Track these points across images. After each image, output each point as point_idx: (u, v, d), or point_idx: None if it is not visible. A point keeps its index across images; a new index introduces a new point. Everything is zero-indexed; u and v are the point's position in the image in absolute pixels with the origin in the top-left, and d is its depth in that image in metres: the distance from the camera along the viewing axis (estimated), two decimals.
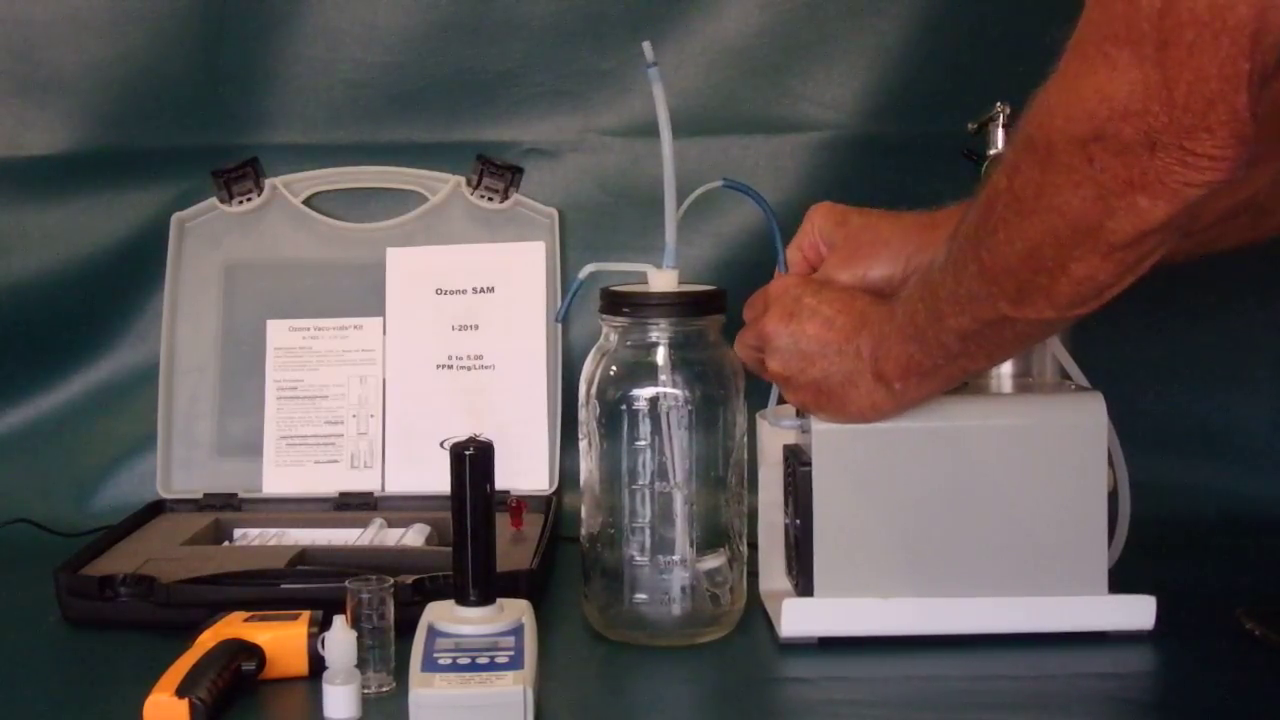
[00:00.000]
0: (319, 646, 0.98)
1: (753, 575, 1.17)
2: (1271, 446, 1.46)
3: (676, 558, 1.10)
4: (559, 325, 1.44)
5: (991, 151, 1.16)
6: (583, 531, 1.14)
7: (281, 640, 1.02)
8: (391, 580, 1.02)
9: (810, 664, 1.06)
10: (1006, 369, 1.14)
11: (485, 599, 0.99)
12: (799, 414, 1.10)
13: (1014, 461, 1.07)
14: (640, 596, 1.11)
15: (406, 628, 1.00)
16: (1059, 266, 0.85)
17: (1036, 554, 1.07)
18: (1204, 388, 1.48)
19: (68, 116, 1.50)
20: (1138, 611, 1.08)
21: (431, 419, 1.42)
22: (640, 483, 1.10)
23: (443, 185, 1.50)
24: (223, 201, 1.49)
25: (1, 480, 1.49)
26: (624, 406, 1.10)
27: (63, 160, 1.50)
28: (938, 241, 0.98)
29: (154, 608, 1.13)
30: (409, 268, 1.48)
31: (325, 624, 0.99)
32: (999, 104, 1.15)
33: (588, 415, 1.12)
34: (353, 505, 1.42)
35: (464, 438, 0.99)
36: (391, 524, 1.37)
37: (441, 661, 0.94)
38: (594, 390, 1.11)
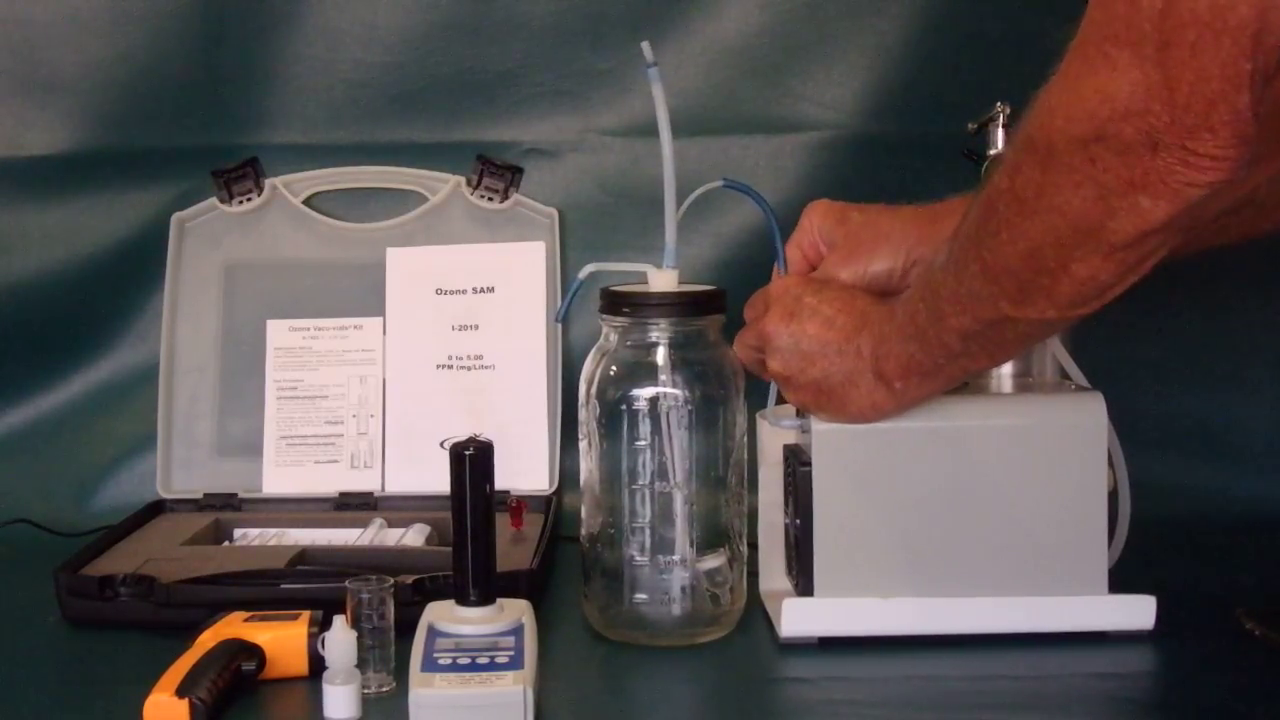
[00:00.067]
0: (319, 646, 0.98)
1: (753, 575, 1.17)
2: (1271, 446, 1.46)
3: (676, 558, 1.10)
4: (559, 325, 1.44)
5: (991, 151, 1.16)
6: (583, 531, 1.14)
7: (281, 640, 1.02)
8: (391, 580, 1.02)
9: (810, 664, 1.06)
10: (1006, 369, 1.14)
11: (485, 599, 0.99)
12: (799, 414, 1.10)
13: (1014, 461, 1.07)
14: (640, 596, 1.11)
15: (406, 628, 1.00)
16: (1060, 266, 0.85)
17: (1036, 554, 1.07)
18: (1204, 388, 1.48)
19: (68, 116, 1.50)
20: (1138, 611, 1.08)
21: (431, 419, 1.42)
22: (640, 483, 1.10)
23: (443, 185, 1.50)
24: (223, 201, 1.49)
25: (1, 480, 1.49)
26: (624, 406, 1.10)
27: (63, 160, 1.50)
28: (938, 234, 0.98)
29: (154, 608, 1.13)
30: (409, 268, 1.48)
31: (325, 624, 0.99)
32: (999, 104, 1.15)
33: (588, 415, 1.12)
34: (353, 505, 1.42)
35: (464, 438, 0.99)
36: (391, 524, 1.36)
37: (441, 661, 0.94)
38: (594, 390, 1.11)
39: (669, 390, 1.09)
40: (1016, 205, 0.86)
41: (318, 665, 0.99)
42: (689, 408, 1.09)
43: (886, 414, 1.04)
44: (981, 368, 1.08)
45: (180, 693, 0.93)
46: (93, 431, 1.51)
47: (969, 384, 1.10)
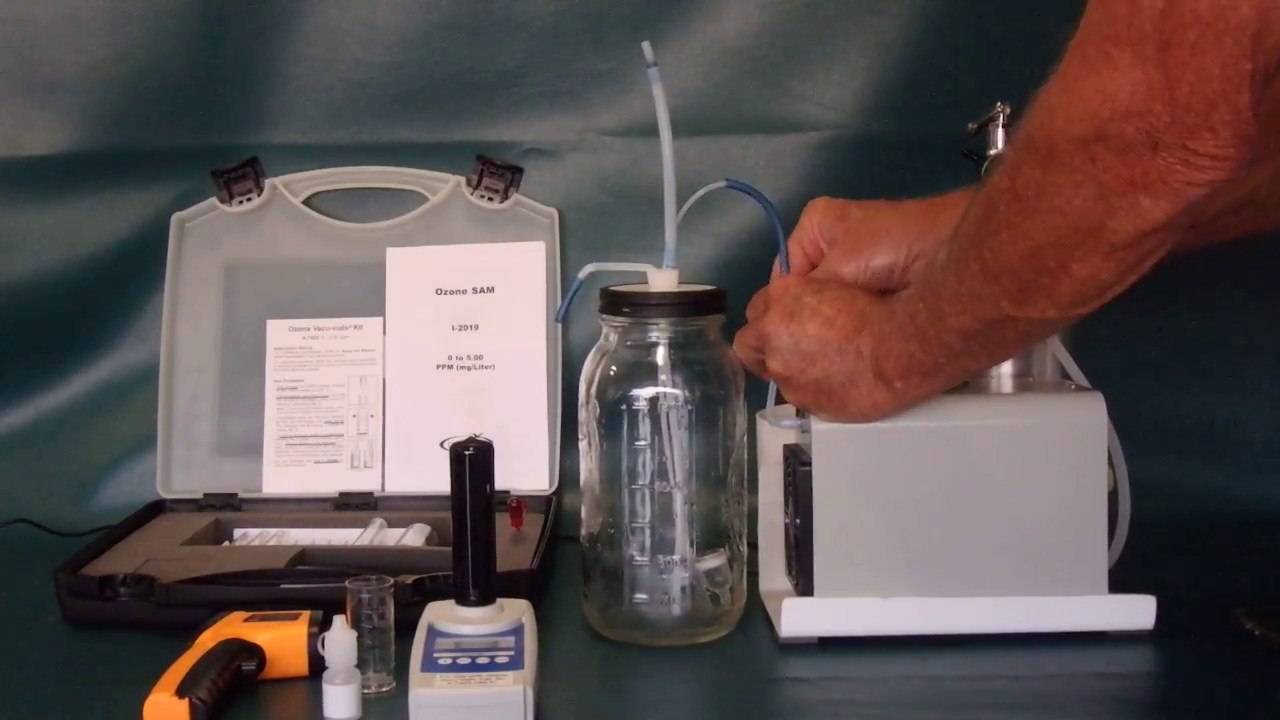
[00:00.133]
0: (319, 646, 0.98)
1: (753, 575, 1.17)
2: (1271, 446, 1.46)
3: (676, 558, 1.10)
4: (559, 325, 1.44)
5: (991, 151, 1.15)
6: (583, 531, 1.14)
7: (281, 640, 1.02)
8: (391, 580, 1.02)
9: (810, 664, 1.06)
10: (1006, 369, 1.14)
11: (485, 599, 0.99)
12: (799, 414, 1.10)
13: (1014, 461, 1.07)
14: (640, 596, 1.11)
15: (406, 628, 1.00)
16: (1061, 266, 0.86)
17: (1036, 554, 1.07)
18: (1204, 388, 1.48)
19: (68, 116, 1.50)
20: (1138, 611, 1.08)
21: (431, 419, 1.42)
22: (640, 483, 1.10)
23: (443, 185, 1.50)
24: (223, 201, 1.49)
25: (1, 480, 1.49)
26: (624, 406, 1.10)
27: (63, 160, 1.50)
28: (939, 227, 0.98)
29: (154, 608, 1.13)
30: (409, 268, 1.48)
31: (325, 624, 0.99)
32: (999, 104, 1.15)
33: (588, 415, 1.12)
34: (353, 505, 1.42)
35: (464, 438, 0.99)
36: (391, 524, 1.36)
37: (441, 661, 0.94)
38: (594, 390, 1.11)
39: (669, 390, 1.09)
40: (1017, 205, 0.86)
41: (318, 665, 0.99)
42: (689, 408, 1.09)
43: (887, 414, 1.04)
44: (981, 367, 1.08)
45: (180, 693, 0.93)
46: (93, 431, 1.51)
47: (969, 384, 1.10)
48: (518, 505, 1.34)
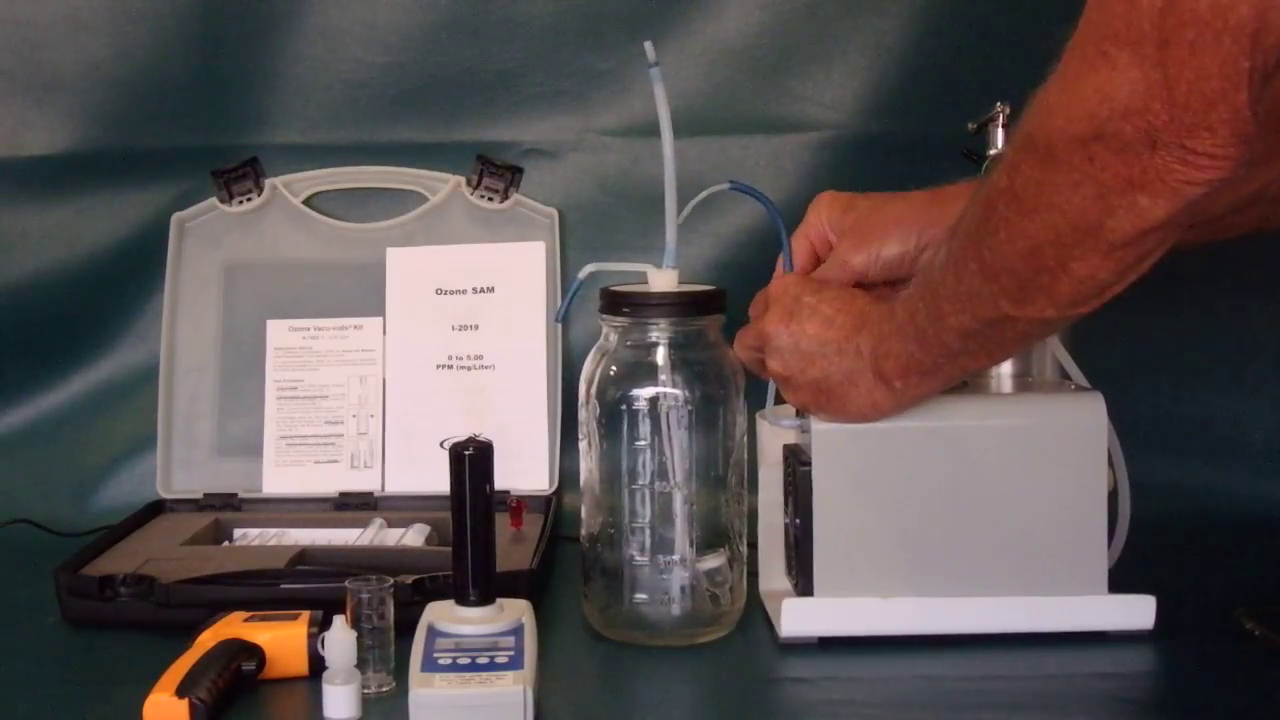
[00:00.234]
0: (319, 646, 0.98)
1: (753, 575, 1.17)
2: (1271, 446, 1.46)
3: (676, 558, 1.10)
4: (559, 325, 1.44)
5: (991, 151, 1.16)
6: (583, 531, 1.14)
7: (281, 640, 1.02)
8: (391, 580, 1.02)
9: (810, 664, 1.06)
10: (1006, 369, 1.14)
11: (485, 599, 0.99)
12: (799, 414, 1.10)
13: (1014, 461, 1.07)
14: (640, 596, 1.11)
15: (406, 628, 1.00)
16: (1060, 265, 0.86)
17: (1036, 554, 1.07)
18: (1204, 388, 1.48)
19: (68, 116, 1.50)
20: (1138, 611, 1.08)
21: (431, 419, 1.42)
22: (640, 483, 1.10)
23: (443, 185, 1.50)
24: (223, 201, 1.49)
25: (1, 480, 1.49)
26: (624, 406, 1.10)
27: (63, 160, 1.50)
28: (947, 216, 0.98)
29: (154, 608, 1.13)
30: (409, 268, 1.48)
31: (325, 624, 0.99)
32: (999, 104, 1.15)
33: (588, 415, 1.12)
34: (353, 505, 1.42)
35: (464, 438, 0.99)
36: (391, 524, 1.36)
37: (441, 661, 0.94)
38: (594, 390, 1.11)
39: (669, 390, 1.09)
40: (1016, 204, 0.86)
41: (318, 665, 0.99)
42: (689, 408, 1.09)
43: (886, 413, 1.04)
44: (981, 367, 1.08)
45: (180, 693, 0.93)
46: (93, 431, 1.51)
47: (969, 384, 1.10)
48: (518, 505, 1.34)
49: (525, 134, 1.50)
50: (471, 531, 0.98)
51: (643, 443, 1.09)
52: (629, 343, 1.11)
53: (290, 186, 1.50)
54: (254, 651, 1.00)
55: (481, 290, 1.47)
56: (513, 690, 0.91)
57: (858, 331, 1.02)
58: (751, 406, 1.14)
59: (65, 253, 1.51)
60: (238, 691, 0.98)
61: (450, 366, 1.46)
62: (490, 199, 1.49)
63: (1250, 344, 1.48)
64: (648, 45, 1.06)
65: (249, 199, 1.50)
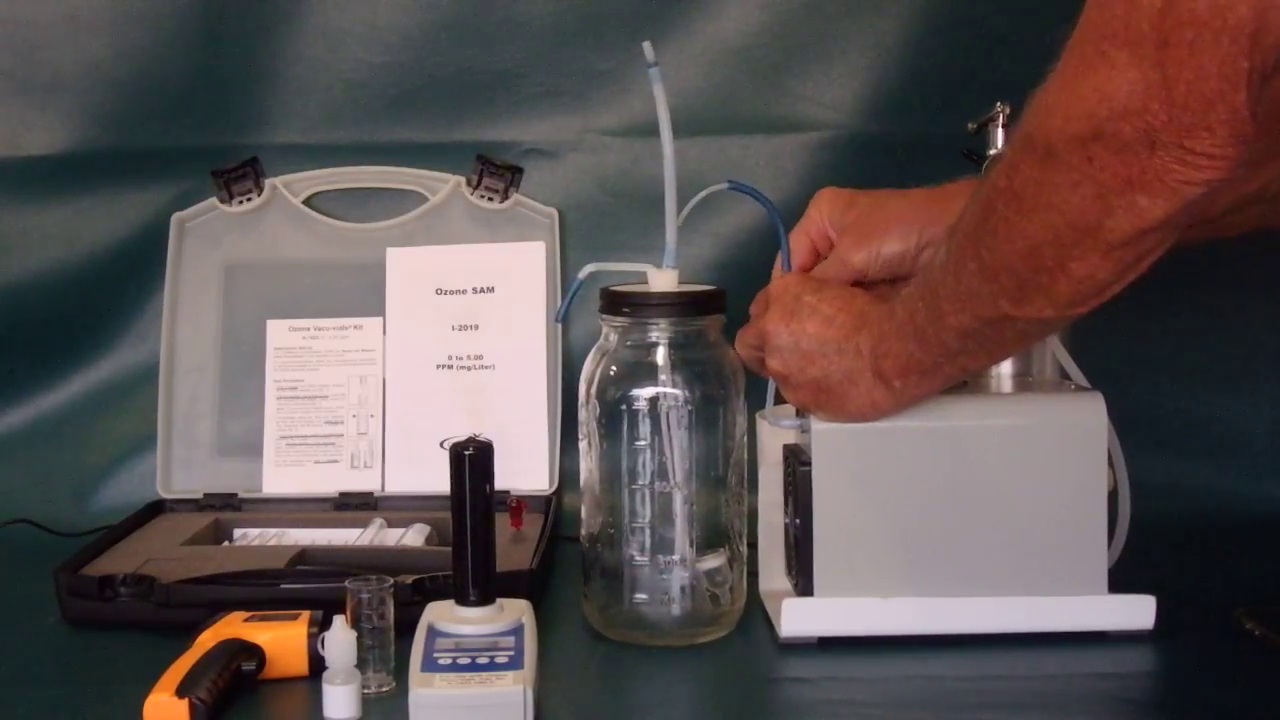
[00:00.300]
0: (319, 646, 0.98)
1: (753, 575, 1.17)
2: (1271, 446, 1.46)
3: (676, 558, 1.10)
4: (559, 325, 1.44)
5: (991, 151, 1.16)
6: (583, 531, 1.14)
7: (281, 640, 1.02)
8: (391, 580, 1.02)
9: (810, 664, 1.06)
10: (1006, 369, 1.14)
11: (485, 599, 0.99)
12: (798, 413, 1.10)
13: (1014, 461, 1.07)
14: (640, 596, 1.11)
15: (406, 628, 1.00)
16: (1059, 265, 0.86)
17: (1036, 554, 1.07)
18: (1204, 388, 1.48)
19: (68, 116, 1.50)
20: (1138, 611, 1.08)
21: (431, 419, 1.42)
22: (640, 483, 1.10)
23: (443, 185, 1.50)
24: (223, 201, 1.49)
25: (1, 480, 1.49)
26: (624, 406, 1.10)
27: (63, 160, 1.50)
28: (948, 214, 0.98)
29: (154, 608, 1.13)
30: (409, 268, 1.48)
31: (325, 624, 0.99)
32: (999, 104, 1.15)
33: (588, 415, 1.12)
34: (353, 505, 1.42)
35: (464, 438, 0.99)
36: (391, 524, 1.36)
37: (441, 661, 0.94)
38: (594, 390, 1.11)
39: (669, 390, 1.09)
40: (1015, 204, 0.86)
41: (318, 665, 0.99)
42: (689, 408, 1.09)
43: (885, 413, 1.04)
44: (980, 366, 1.08)
45: (180, 693, 0.93)
46: (93, 431, 1.51)
47: (969, 384, 1.10)
48: (518, 505, 1.34)
49: (525, 134, 1.50)
50: (471, 531, 0.98)
51: (643, 443, 1.09)
52: (629, 343, 1.11)
53: (290, 186, 1.50)
54: (254, 651, 1.00)
55: (481, 290, 1.47)
56: (513, 690, 0.91)
57: (857, 331, 1.02)
58: (751, 406, 1.14)
59: (65, 253, 1.51)
60: (238, 691, 0.98)
61: (450, 366, 1.46)
62: (490, 199, 1.49)
63: (1250, 344, 1.48)
64: (646, 45, 1.06)
65: (249, 199, 1.50)
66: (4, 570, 1.33)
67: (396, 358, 1.46)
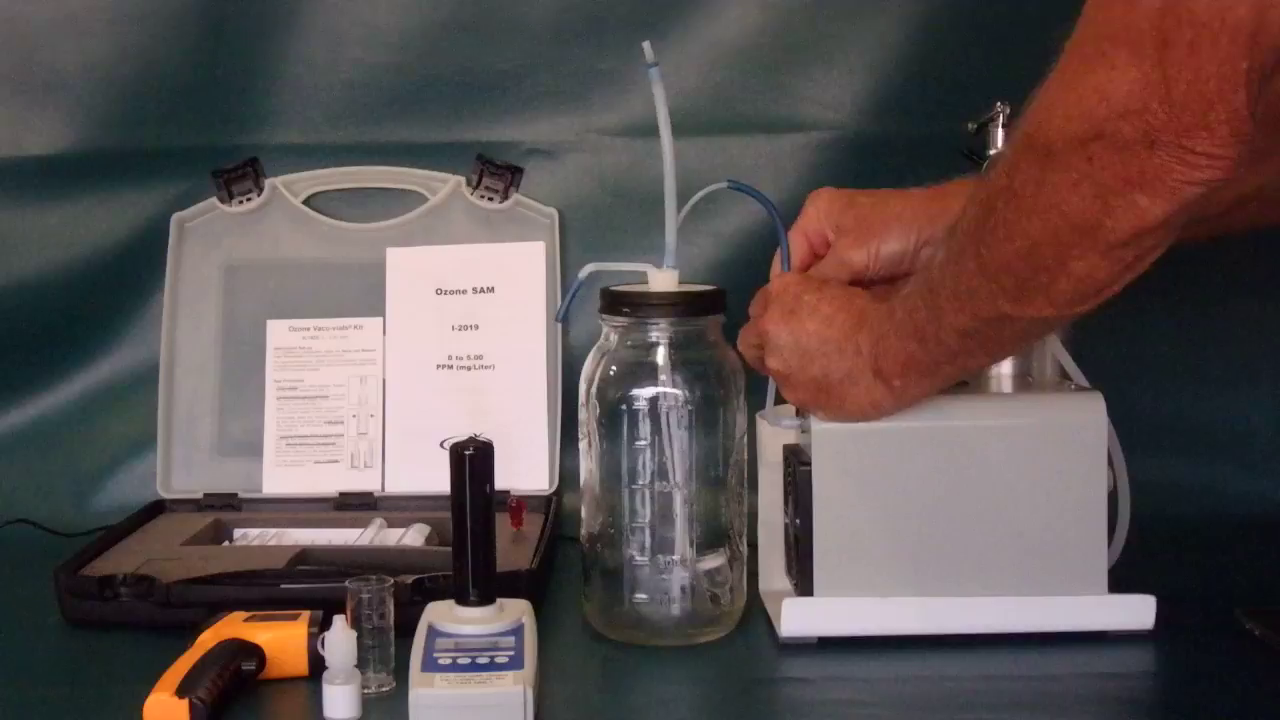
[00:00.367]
0: (319, 646, 0.98)
1: (753, 575, 1.17)
2: (1271, 446, 1.46)
3: (676, 558, 1.10)
4: (559, 325, 1.44)
5: (991, 151, 1.15)
6: (583, 531, 1.14)
7: (281, 640, 1.02)
8: (391, 580, 1.02)
9: (810, 664, 1.06)
10: (1006, 369, 1.14)
11: (485, 599, 0.99)
12: (798, 413, 1.10)
13: (1014, 461, 1.07)
14: (640, 596, 1.11)
15: (406, 628, 1.00)
16: (1058, 264, 0.86)
17: (1036, 554, 1.07)
18: (1204, 388, 1.48)
19: (68, 116, 1.50)
20: (1138, 611, 1.08)
21: (431, 419, 1.42)
22: (640, 483, 1.10)
23: (443, 185, 1.50)
24: (223, 201, 1.49)
25: (1, 480, 1.49)
26: (624, 406, 1.10)
27: (63, 160, 1.50)
28: (948, 213, 0.98)
29: (154, 608, 1.13)
30: (409, 268, 1.48)
31: (325, 624, 0.99)
32: (999, 104, 1.15)
33: (588, 415, 1.12)
34: (353, 505, 1.41)
35: (464, 438, 0.99)
36: (391, 524, 1.36)
37: (441, 661, 0.94)
38: (594, 390, 1.11)
39: (669, 390, 1.09)
40: (1015, 203, 0.86)
41: (318, 665, 0.99)
42: (689, 408, 1.09)
43: (885, 412, 1.04)
44: (980, 365, 1.08)
45: (180, 693, 0.93)
46: (93, 431, 1.51)
47: (969, 383, 1.10)
48: (518, 505, 1.34)
49: (525, 134, 1.50)
50: (471, 531, 0.98)
51: (643, 443, 1.09)
52: (629, 343, 1.11)
53: (290, 186, 1.50)
54: (254, 651, 1.00)
55: (481, 290, 1.47)
56: (513, 690, 0.91)
57: (857, 330, 1.02)
58: (751, 406, 1.14)
59: (65, 253, 1.51)
60: (238, 691, 0.98)
61: (450, 366, 1.46)
62: (490, 199, 1.49)
63: (1250, 344, 1.48)
64: (646, 45, 1.06)
65: (249, 199, 1.50)
66: (4, 570, 1.33)
67: (396, 358, 1.46)
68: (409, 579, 1.10)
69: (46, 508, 1.46)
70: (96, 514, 1.45)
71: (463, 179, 1.50)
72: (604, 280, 1.13)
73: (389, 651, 1.01)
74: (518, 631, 0.98)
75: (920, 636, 1.07)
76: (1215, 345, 1.48)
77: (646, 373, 1.10)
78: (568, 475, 1.41)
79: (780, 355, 1.05)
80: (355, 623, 0.99)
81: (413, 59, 1.49)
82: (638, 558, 1.10)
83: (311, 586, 1.12)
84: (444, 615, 0.99)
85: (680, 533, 1.10)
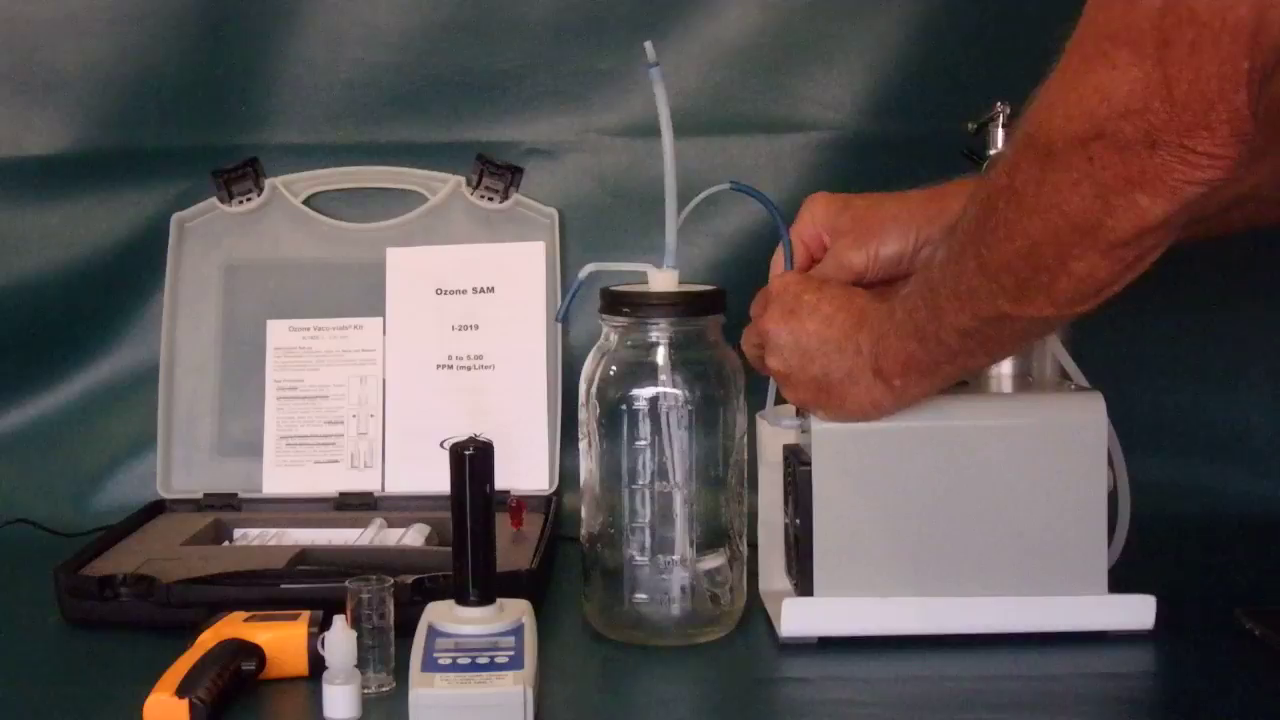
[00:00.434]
0: (319, 646, 0.98)
1: (753, 575, 1.17)
2: (1271, 446, 1.46)
3: (676, 558, 1.10)
4: (559, 325, 1.44)
5: (991, 151, 1.16)
6: (583, 531, 1.14)
7: (281, 640, 1.02)
8: (391, 580, 1.02)
9: (810, 664, 1.06)
10: (1006, 368, 1.14)
11: (485, 599, 0.99)
12: (799, 413, 1.10)
13: (1014, 461, 1.07)
14: (640, 596, 1.11)
15: (406, 628, 1.00)
16: (1059, 264, 0.86)
17: (1036, 554, 1.07)
18: (1204, 388, 1.48)
19: (68, 116, 1.50)
20: (1138, 611, 1.08)
21: (431, 419, 1.42)
22: (640, 483, 1.10)
23: (443, 185, 1.50)
24: (223, 201, 1.49)
25: (1, 480, 1.49)
26: (624, 406, 1.10)
27: (63, 160, 1.50)
28: (946, 213, 0.98)
29: (154, 608, 1.13)
30: (409, 268, 1.48)
31: (325, 624, 0.99)
32: (999, 104, 1.15)
33: (588, 415, 1.12)
34: (353, 505, 1.42)
35: (464, 438, 0.99)
36: (391, 524, 1.36)
37: (441, 661, 0.94)
38: (594, 390, 1.11)
39: (669, 390, 1.09)
40: (1015, 203, 0.86)
41: (318, 665, 0.99)
42: (689, 408, 1.09)
43: (885, 411, 1.04)
44: (980, 365, 1.08)
45: (180, 693, 0.93)
46: (93, 431, 1.51)
47: (969, 383, 1.10)
48: (518, 505, 1.34)
49: (525, 134, 1.50)
50: (471, 531, 0.98)
51: (643, 443, 1.09)
52: (629, 343, 1.11)
53: (290, 186, 1.50)
54: (254, 651, 1.00)
55: (481, 290, 1.47)
56: (513, 690, 0.91)
57: (857, 329, 1.02)
58: (751, 406, 1.14)
59: (65, 253, 1.51)
60: (238, 691, 0.98)
61: (450, 366, 1.46)
62: (490, 199, 1.49)
63: (1250, 344, 1.48)
64: (647, 45, 1.06)
65: (249, 199, 1.50)
66: (4, 570, 1.33)
67: (396, 358, 1.46)
68: (409, 579, 1.10)
69: (46, 508, 1.46)
70: (96, 514, 1.45)
71: (463, 179, 1.50)
72: (604, 280, 1.13)
73: (389, 651, 1.01)
74: (518, 631, 0.98)
75: (920, 636, 1.07)
76: (1215, 345, 1.48)
77: (646, 373, 1.10)
78: (568, 475, 1.41)
79: (780, 355, 1.05)
80: (355, 623, 0.99)
81: (413, 59, 1.49)
82: (638, 558, 1.10)
83: (311, 586, 1.12)
84: (444, 615, 0.99)
85: (680, 533, 1.10)
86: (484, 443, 0.98)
